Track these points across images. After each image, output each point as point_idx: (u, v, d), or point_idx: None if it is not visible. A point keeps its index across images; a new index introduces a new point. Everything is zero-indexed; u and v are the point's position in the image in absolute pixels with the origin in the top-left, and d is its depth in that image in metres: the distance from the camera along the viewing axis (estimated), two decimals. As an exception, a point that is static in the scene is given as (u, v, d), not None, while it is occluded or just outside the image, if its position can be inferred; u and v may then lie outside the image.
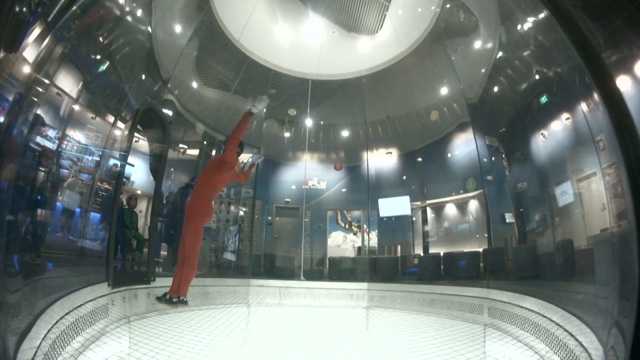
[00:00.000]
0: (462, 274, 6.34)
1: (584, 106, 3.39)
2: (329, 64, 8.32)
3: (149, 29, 5.73)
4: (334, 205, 9.40)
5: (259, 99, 3.45)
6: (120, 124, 4.79)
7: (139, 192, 6.15)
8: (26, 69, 2.44)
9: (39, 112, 2.99)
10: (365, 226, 9.03)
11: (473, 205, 7.39)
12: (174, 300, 3.67)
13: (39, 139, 3.13)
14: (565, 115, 4.15)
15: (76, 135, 4.00)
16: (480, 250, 6.54)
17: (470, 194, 7.31)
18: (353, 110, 9.11)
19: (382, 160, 9.03)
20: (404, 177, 8.76)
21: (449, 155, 7.89)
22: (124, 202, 5.50)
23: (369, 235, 8.88)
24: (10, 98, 2.31)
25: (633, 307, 1.45)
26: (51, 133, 3.36)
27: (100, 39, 4.12)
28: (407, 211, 8.29)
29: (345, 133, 9.52)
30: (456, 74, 7.19)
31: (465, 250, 6.98)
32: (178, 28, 6.68)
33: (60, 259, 3.64)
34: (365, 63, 8.23)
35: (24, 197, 2.79)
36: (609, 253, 2.48)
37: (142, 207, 6.26)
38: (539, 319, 3.68)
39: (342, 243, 9.32)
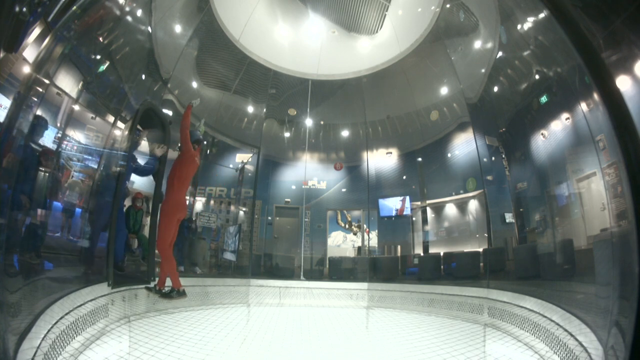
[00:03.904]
0: (462, 274, 6.34)
1: (584, 106, 3.39)
2: (329, 64, 8.32)
3: (149, 29, 5.72)
4: (334, 205, 9.40)
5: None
6: (120, 124, 4.78)
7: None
8: (26, 69, 2.44)
9: (39, 112, 2.99)
10: (365, 226, 9.03)
11: (473, 205, 7.38)
12: (158, 289, 3.78)
13: (39, 139, 3.13)
14: (565, 115, 4.15)
15: (76, 136, 3.99)
16: (480, 250, 6.55)
17: (470, 194, 7.30)
18: (353, 110, 9.11)
19: (382, 160, 9.03)
20: (404, 177, 8.76)
21: (449, 155, 7.88)
22: (129, 203, 5.48)
23: (369, 235, 8.88)
24: (11, 98, 2.31)
25: (633, 307, 1.46)
26: (51, 133, 3.36)
27: (100, 39, 4.12)
28: (407, 211, 8.29)
29: (345, 133, 9.52)
30: (456, 74, 7.19)
31: (465, 250, 6.98)
32: (178, 28, 6.68)
33: (60, 259, 3.64)
34: (365, 63, 8.23)
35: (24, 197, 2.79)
36: (608, 253, 2.48)
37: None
38: (539, 319, 3.68)
39: (342, 243, 9.32)
